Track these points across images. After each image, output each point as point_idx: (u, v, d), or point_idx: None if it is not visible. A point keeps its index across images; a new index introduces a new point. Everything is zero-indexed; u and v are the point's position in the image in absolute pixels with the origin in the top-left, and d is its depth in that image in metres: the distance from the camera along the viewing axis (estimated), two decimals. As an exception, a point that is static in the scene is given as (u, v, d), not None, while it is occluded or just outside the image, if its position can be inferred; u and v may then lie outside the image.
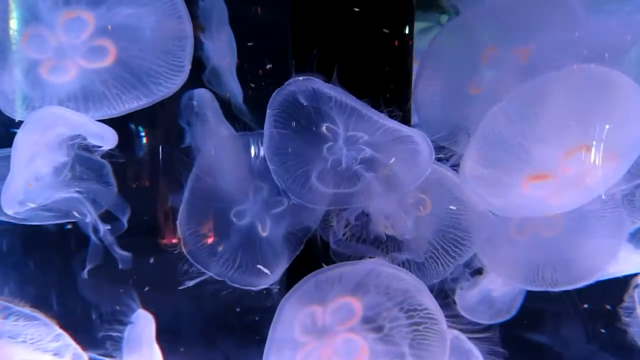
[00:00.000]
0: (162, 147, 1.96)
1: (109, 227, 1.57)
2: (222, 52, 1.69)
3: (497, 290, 1.75)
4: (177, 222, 1.50)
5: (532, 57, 1.48)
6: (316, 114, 1.42)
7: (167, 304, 1.92)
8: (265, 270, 1.53)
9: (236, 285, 1.51)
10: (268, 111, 1.42)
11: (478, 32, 1.57)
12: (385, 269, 1.47)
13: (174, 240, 1.58)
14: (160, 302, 1.82)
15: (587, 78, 1.34)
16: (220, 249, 1.52)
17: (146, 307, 1.53)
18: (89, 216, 1.57)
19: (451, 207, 1.57)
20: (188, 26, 1.43)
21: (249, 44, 1.73)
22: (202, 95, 1.58)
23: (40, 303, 1.79)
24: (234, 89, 1.72)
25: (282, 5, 1.71)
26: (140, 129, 1.92)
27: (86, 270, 1.62)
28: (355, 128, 1.42)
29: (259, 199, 1.55)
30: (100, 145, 1.43)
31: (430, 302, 1.47)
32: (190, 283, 1.51)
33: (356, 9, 1.62)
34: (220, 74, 1.69)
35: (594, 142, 1.35)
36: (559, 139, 1.35)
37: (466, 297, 1.72)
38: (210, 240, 1.53)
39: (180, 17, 1.42)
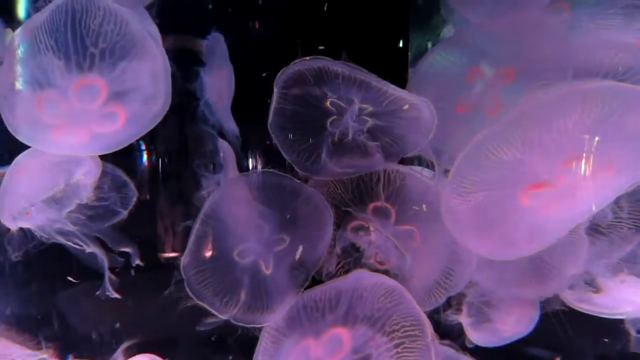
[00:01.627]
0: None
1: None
2: (220, 89, 1.70)
3: (509, 330, 1.75)
4: (182, 265, 1.52)
5: (517, 77, 1.50)
6: (321, 90, 1.49)
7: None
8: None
9: (240, 324, 1.53)
10: (275, 89, 1.50)
11: (464, 52, 1.60)
12: (367, 283, 1.49)
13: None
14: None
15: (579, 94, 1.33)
16: (223, 288, 1.54)
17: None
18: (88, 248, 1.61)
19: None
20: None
21: (263, 74, 1.73)
22: (226, 149, 1.62)
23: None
24: (230, 127, 1.76)
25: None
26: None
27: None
28: (361, 100, 1.48)
29: (261, 238, 1.56)
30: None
31: (411, 315, 1.47)
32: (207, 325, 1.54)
33: (321, 47, 1.67)
34: (214, 108, 1.71)
35: (591, 152, 1.36)
36: (557, 148, 1.35)
37: (475, 333, 1.74)
38: (213, 280, 1.54)
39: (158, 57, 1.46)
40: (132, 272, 1.77)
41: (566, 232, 1.49)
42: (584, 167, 1.36)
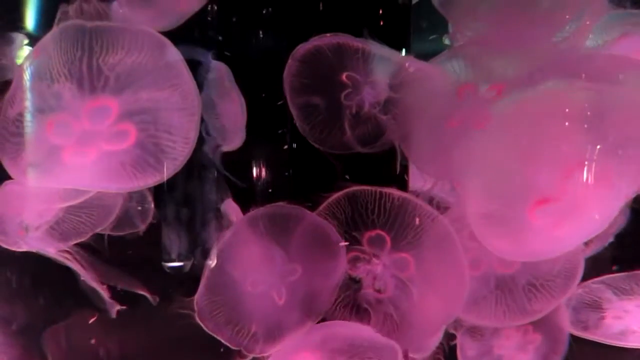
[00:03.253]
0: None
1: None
2: (234, 112, 1.68)
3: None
4: (195, 297, 1.52)
5: (506, 91, 1.52)
6: (339, 65, 1.52)
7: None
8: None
9: (252, 355, 1.55)
10: (290, 61, 1.53)
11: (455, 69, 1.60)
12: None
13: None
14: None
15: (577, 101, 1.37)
16: (235, 317, 1.55)
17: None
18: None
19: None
20: (197, 102, 1.45)
21: (279, 103, 1.72)
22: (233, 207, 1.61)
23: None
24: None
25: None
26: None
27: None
28: (378, 73, 1.54)
29: (273, 268, 1.56)
30: None
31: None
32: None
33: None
34: (226, 131, 1.70)
35: (592, 162, 1.38)
36: (555, 160, 1.38)
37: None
38: (225, 309, 1.55)
39: (191, 93, 1.44)
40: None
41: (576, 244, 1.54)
42: (586, 176, 1.38)
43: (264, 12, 1.95)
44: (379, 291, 1.59)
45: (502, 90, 1.52)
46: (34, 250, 1.63)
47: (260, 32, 1.95)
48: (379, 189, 1.55)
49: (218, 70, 1.69)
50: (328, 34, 1.53)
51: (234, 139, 1.70)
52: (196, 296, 1.52)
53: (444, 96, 1.59)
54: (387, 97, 1.55)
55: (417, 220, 1.56)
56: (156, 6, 1.48)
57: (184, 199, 2.01)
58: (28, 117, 1.40)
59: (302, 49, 1.53)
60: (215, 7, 1.82)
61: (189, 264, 1.98)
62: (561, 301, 1.63)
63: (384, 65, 1.56)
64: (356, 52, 1.51)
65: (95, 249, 1.69)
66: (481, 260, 1.62)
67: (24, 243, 1.62)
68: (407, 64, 1.58)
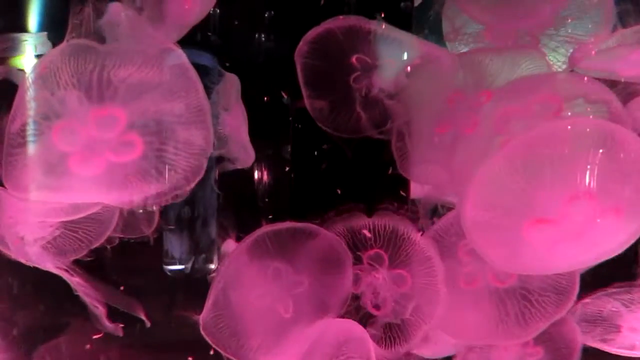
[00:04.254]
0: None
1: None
2: (239, 121, 1.68)
3: None
4: (202, 316, 1.53)
5: (494, 97, 1.55)
6: (349, 47, 1.54)
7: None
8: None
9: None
10: (301, 43, 1.55)
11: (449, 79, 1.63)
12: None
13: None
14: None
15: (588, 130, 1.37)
16: (240, 331, 1.56)
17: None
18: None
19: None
20: (209, 119, 1.43)
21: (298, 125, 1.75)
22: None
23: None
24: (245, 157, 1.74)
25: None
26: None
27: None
28: (388, 56, 1.55)
29: (279, 281, 1.57)
30: None
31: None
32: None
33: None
34: (231, 141, 1.70)
35: (596, 192, 1.37)
36: (562, 184, 1.38)
37: None
38: (230, 323, 1.55)
39: (202, 110, 1.42)
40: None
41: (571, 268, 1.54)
42: (589, 204, 1.38)
43: (266, 15, 1.94)
44: (376, 307, 1.61)
45: (490, 95, 1.54)
46: (31, 265, 1.62)
47: (262, 35, 1.95)
48: (370, 220, 1.59)
49: (229, 81, 1.69)
50: (341, 16, 1.54)
51: (241, 155, 1.70)
52: (202, 315, 1.52)
53: (450, 81, 1.62)
54: (395, 81, 1.57)
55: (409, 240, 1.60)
56: (163, 23, 1.46)
57: (184, 202, 2.00)
58: (33, 126, 1.38)
59: (313, 31, 1.55)
60: (218, 11, 1.81)
61: (189, 267, 1.98)
62: (564, 315, 1.64)
63: (396, 47, 1.57)
64: (367, 35, 1.53)
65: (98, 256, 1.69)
66: (476, 274, 1.63)
67: (22, 255, 1.61)
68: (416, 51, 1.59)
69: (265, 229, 1.54)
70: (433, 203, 1.69)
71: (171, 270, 2.04)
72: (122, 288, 1.83)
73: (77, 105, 1.35)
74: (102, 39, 1.37)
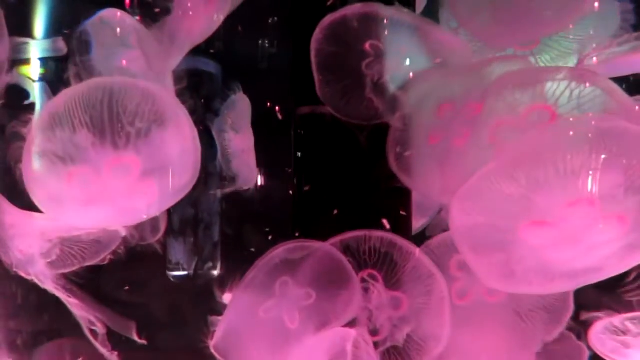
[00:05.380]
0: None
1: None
2: (248, 144, 1.69)
3: None
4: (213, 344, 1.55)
5: (484, 108, 1.52)
6: (364, 33, 1.54)
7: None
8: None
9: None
10: (317, 30, 1.56)
11: (439, 90, 1.61)
12: None
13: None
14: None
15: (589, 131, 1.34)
16: (248, 342, 1.56)
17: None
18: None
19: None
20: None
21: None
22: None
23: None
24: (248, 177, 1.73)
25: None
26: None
27: None
28: (403, 43, 1.56)
29: (285, 293, 1.57)
30: None
31: None
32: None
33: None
34: (237, 161, 1.71)
35: (598, 197, 1.33)
36: (562, 188, 1.34)
37: None
38: (239, 335, 1.56)
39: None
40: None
41: (570, 282, 1.50)
42: (590, 210, 1.35)
43: (269, 21, 1.94)
44: (373, 333, 1.59)
45: (480, 107, 1.51)
46: (29, 278, 1.61)
47: (266, 41, 1.94)
48: (367, 232, 1.58)
49: (242, 102, 1.69)
50: (358, 4, 1.55)
51: (246, 175, 1.70)
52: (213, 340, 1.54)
53: (465, 70, 1.62)
54: (405, 69, 1.57)
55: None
56: (171, 42, 1.45)
57: (188, 209, 2.01)
58: (49, 161, 1.38)
59: (329, 18, 1.55)
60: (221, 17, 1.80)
61: (192, 272, 1.99)
62: (563, 331, 1.64)
63: (411, 35, 1.57)
64: (382, 21, 1.53)
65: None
66: (469, 289, 1.63)
67: (22, 269, 1.60)
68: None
69: (278, 252, 1.56)
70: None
71: (175, 277, 2.05)
72: (126, 288, 1.83)
73: (92, 153, 1.35)
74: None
